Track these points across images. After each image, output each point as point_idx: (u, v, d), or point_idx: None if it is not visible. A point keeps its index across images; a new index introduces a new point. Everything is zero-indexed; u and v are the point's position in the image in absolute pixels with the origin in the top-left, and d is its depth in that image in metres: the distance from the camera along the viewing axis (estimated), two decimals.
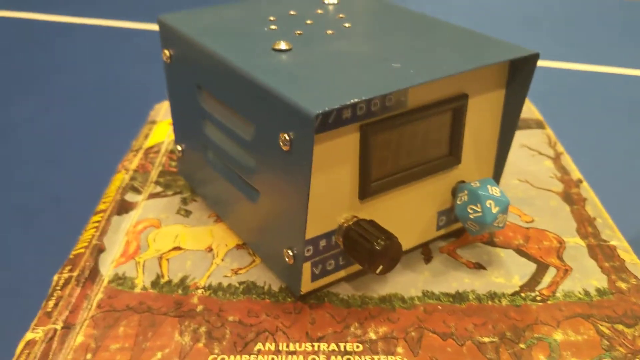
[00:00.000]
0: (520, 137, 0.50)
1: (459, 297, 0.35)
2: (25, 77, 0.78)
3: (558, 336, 0.32)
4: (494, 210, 0.34)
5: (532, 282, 0.36)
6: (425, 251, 0.38)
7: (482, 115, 0.37)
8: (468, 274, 0.37)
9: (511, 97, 0.37)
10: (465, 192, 0.36)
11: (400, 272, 0.37)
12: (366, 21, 0.40)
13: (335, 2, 0.43)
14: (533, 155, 0.48)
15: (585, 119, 0.66)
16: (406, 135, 0.34)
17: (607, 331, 0.32)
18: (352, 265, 0.36)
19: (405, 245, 0.37)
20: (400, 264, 0.37)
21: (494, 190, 0.35)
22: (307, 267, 0.34)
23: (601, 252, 0.38)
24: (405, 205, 0.36)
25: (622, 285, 0.35)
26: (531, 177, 0.45)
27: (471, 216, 0.35)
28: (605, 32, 0.96)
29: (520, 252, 0.38)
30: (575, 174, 0.46)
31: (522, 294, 0.35)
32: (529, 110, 0.55)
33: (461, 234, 0.40)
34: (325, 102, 0.29)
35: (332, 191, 0.33)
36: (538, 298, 0.35)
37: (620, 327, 0.33)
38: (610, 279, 0.36)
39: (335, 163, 0.32)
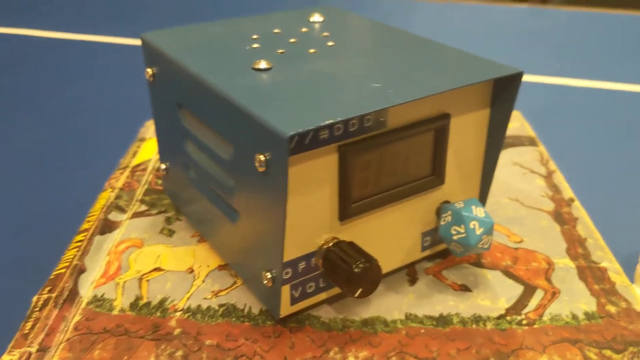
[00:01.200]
0: (513, 155, 0.50)
1: (442, 320, 0.34)
2: (11, 94, 0.78)
3: None
4: (478, 231, 0.34)
5: (519, 304, 0.35)
6: (410, 272, 0.38)
7: (466, 135, 0.36)
8: (453, 296, 0.36)
9: (496, 116, 0.36)
10: (449, 212, 0.35)
11: (384, 294, 0.36)
12: (351, 40, 0.39)
13: (321, 20, 0.43)
14: (525, 173, 0.47)
15: (579, 136, 0.65)
16: (387, 156, 0.33)
17: (594, 357, 0.31)
18: (333, 288, 0.35)
19: (389, 267, 0.37)
20: (384, 286, 0.36)
21: (478, 211, 0.34)
22: (286, 290, 0.33)
23: (591, 274, 0.37)
24: (388, 226, 0.35)
25: (612, 309, 0.34)
26: (522, 196, 0.44)
27: (455, 237, 0.34)
28: (600, 47, 0.95)
29: (508, 273, 0.37)
30: (567, 192, 0.45)
31: (508, 318, 0.34)
32: (522, 127, 0.54)
33: (447, 254, 0.39)
34: (300, 123, 0.28)
35: (310, 212, 0.32)
36: (524, 322, 0.34)
37: (608, 352, 0.32)
38: (600, 302, 0.35)
39: (313, 184, 0.31)
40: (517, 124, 0.55)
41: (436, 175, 0.36)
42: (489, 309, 0.35)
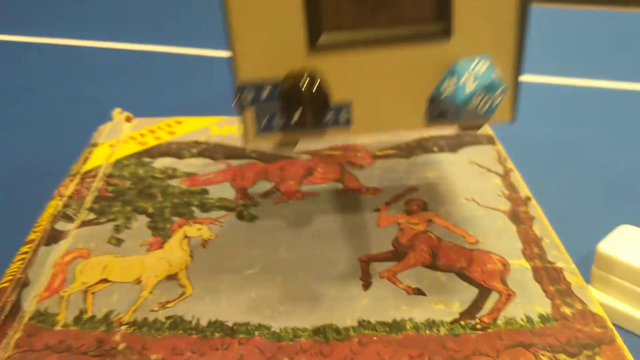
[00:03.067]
0: (470, 154, 0.49)
1: (396, 326, 0.33)
2: None
3: None
4: (469, 87, 0.29)
5: (473, 308, 0.34)
6: (364, 276, 0.37)
7: None
8: (407, 300, 0.35)
9: None
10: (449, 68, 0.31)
11: (337, 299, 0.35)
12: None
13: None
14: (482, 172, 0.47)
15: (536, 133, 0.65)
16: None
17: None
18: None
19: (384, 127, 0.33)
20: (337, 290, 0.36)
21: (481, 67, 0.30)
22: (249, 116, 0.31)
23: (546, 274, 0.37)
24: (378, 77, 0.31)
25: (567, 311, 0.34)
26: (478, 196, 0.44)
27: (444, 94, 0.30)
28: (552, 41, 0.96)
29: (463, 275, 0.37)
30: (524, 191, 0.44)
31: (462, 322, 0.33)
32: None
33: (401, 257, 0.38)
34: None
35: (269, 21, 0.29)
36: (478, 326, 0.33)
37: (562, 356, 0.31)
38: (555, 304, 0.34)
39: None
40: None
41: (441, 20, 0.30)
42: (442, 313, 0.34)
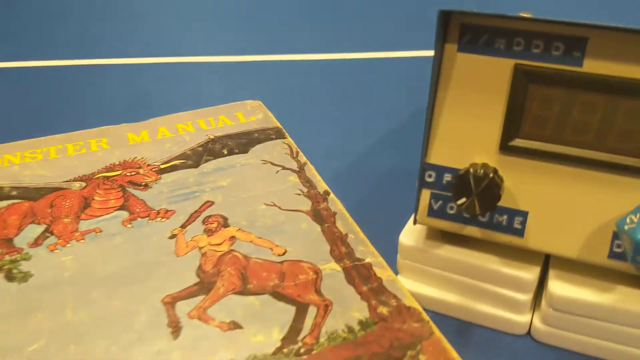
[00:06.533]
0: (261, 152, 0.47)
1: None
2: None
3: None
4: None
5: (293, 331, 0.32)
6: (171, 322, 0.33)
7: None
8: (224, 339, 0.32)
9: None
10: None
11: (144, 358, 0.31)
12: None
13: None
14: (277, 171, 0.45)
15: (313, 115, 0.65)
16: (577, 103, 0.30)
17: None
18: (473, 225, 0.36)
19: (561, 250, 0.34)
20: (143, 348, 0.31)
21: None
22: (426, 195, 0.35)
23: (357, 274, 0.36)
24: (564, 196, 0.32)
25: (384, 311, 0.33)
26: (278, 199, 0.42)
27: (626, 227, 0.29)
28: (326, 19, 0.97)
29: (277, 294, 0.35)
30: (322, 185, 0.43)
31: (285, 350, 0.31)
32: (266, 118, 0.52)
33: (209, 288, 0.35)
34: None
35: (467, 120, 0.32)
36: (302, 350, 0.31)
37: None
38: (371, 306, 0.34)
39: (479, 90, 0.32)
40: (260, 115, 0.52)
41: None
42: (263, 345, 0.32)
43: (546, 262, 0.38)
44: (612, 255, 0.33)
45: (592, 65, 0.31)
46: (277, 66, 0.76)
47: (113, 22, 0.95)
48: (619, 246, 0.33)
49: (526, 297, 0.37)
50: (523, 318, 0.38)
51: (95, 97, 0.70)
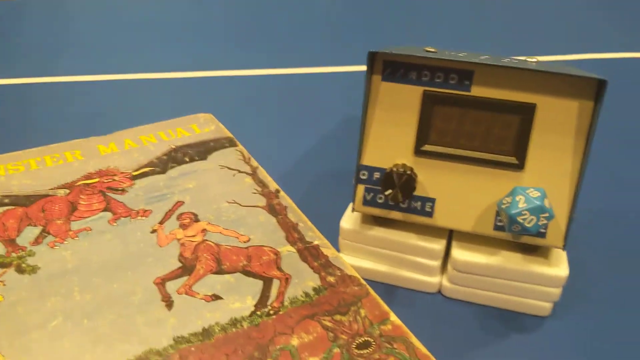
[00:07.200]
0: (218, 158, 0.55)
1: (206, 333, 0.39)
2: None
3: (295, 341, 0.38)
4: (521, 204, 0.39)
5: (263, 298, 0.41)
6: (165, 298, 0.41)
7: (555, 132, 0.41)
8: (209, 307, 0.40)
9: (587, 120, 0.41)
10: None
11: (148, 325, 0.39)
12: None
13: None
14: (234, 174, 0.53)
15: (260, 125, 0.74)
16: (468, 118, 0.42)
17: (329, 324, 0.39)
18: (395, 210, 0.46)
19: (457, 225, 0.45)
20: (145, 317, 0.39)
21: (533, 193, 0.40)
22: (361, 189, 0.46)
23: (309, 253, 0.45)
24: (461, 186, 0.44)
25: (332, 279, 0.43)
26: (237, 197, 0.51)
27: (502, 206, 0.40)
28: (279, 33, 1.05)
29: (247, 272, 0.43)
30: (273, 184, 0.52)
31: (258, 312, 0.40)
32: (219, 129, 0.60)
33: (191, 270, 0.43)
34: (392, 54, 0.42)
35: (391, 133, 0.44)
36: (271, 312, 0.40)
37: (338, 317, 0.40)
38: (322, 276, 0.43)
39: (397, 110, 0.44)
40: (213, 126, 0.61)
41: (517, 158, 0.42)
42: (241, 309, 0.40)
43: (450, 235, 0.49)
44: (496, 227, 0.45)
45: (478, 90, 0.43)
46: (224, 81, 0.84)
47: (66, 40, 0.99)
48: (500, 221, 0.44)
49: (436, 263, 0.48)
50: (435, 279, 0.49)
51: (60, 113, 0.75)
